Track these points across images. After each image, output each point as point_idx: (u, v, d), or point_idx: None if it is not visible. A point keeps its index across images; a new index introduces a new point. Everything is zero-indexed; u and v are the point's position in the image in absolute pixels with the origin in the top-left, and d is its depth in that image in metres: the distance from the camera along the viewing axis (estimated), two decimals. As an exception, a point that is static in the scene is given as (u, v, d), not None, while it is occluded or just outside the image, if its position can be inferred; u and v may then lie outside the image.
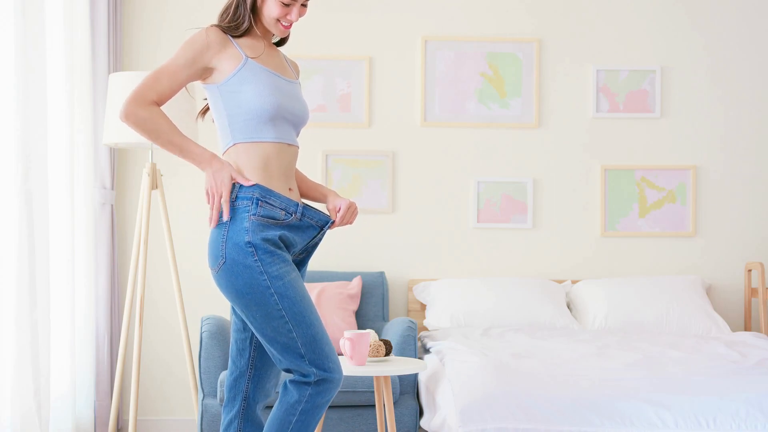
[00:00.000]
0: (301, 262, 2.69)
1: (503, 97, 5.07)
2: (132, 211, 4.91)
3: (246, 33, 2.61)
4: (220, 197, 2.48)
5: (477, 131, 5.07)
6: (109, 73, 4.56)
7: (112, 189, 4.64)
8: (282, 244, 2.53)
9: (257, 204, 2.49)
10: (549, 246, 5.08)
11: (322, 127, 4.94)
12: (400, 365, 3.37)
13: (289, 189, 2.60)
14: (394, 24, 5.07)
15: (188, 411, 4.89)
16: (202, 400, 4.01)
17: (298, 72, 2.81)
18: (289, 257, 2.54)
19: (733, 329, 5.05)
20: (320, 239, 2.68)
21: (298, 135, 2.67)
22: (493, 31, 5.09)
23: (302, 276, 2.68)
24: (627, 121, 5.11)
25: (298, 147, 2.67)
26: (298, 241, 2.59)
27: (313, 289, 4.57)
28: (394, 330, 4.25)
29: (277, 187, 2.56)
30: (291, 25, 2.61)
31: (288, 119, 2.59)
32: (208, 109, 2.72)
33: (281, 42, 2.76)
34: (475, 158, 5.07)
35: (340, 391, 3.96)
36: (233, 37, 2.59)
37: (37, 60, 3.56)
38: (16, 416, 3.41)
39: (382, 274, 4.86)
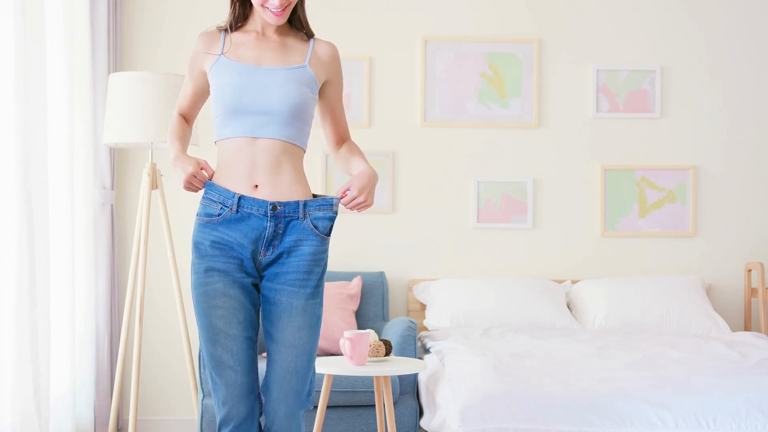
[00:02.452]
0: (283, 264, 2.49)
1: (503, 97, 5.07)
2: (132, 211, 4.91)
3: (242, 26, 2.60)
4: (187, 177, 2.48)
5: (477, 131, 5.07)
6: (109, 73, 4.56)
7: (112, 189, 4.64)
8: (217, 250, 2.48)
9: (202, 202, 2.53)
10: (549, 246, 5.08)
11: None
12: (400, 365, 3.37)
13: (255, 186, 2.48)
14: (394, 24, 5.07)
15: (188, 411, 4.89)
16: (202, 400, 4.01)
17: (325, 55, 2.58)
18: (221, 265, 2.48)
19: (733, 329, 5.05)
20: (286, 229, 2.49)
21: (285, 124, 2.48)
22: (493, 31, 5.09)
23: (300, 274, 2.49)
24: (627, 121, 5.11)
25: (275, 138, 2.48)
26: (239, 236, 2.47)
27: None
28: (394, 330, 4.25)
29: (237, 185, 2.48)
30: (283, 9, 2.48)
31: (253, 112, 2.47)
32: None
33: (305, 24, 2.61)
34: (475, 158, 5.07)
35: (340, 391, 3.96)
36: (232, 32, 2.59)
37: (37, 60, 3.56)
38: (16, 416, 3.41)
39: (382, 274, 4.86)
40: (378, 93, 5.05)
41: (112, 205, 4.63)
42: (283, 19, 2.51)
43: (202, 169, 2.49)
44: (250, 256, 2.49)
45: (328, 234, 2.52)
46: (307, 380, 2.52)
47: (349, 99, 5.03)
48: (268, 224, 2.47)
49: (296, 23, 2.60)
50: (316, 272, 2.50)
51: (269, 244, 2.48)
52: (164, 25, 4.97)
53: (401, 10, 5.07)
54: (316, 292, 2.50)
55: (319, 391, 3.93)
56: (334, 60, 2.60)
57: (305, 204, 2.49)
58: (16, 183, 3.41)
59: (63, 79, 4.10)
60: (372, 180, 2.47)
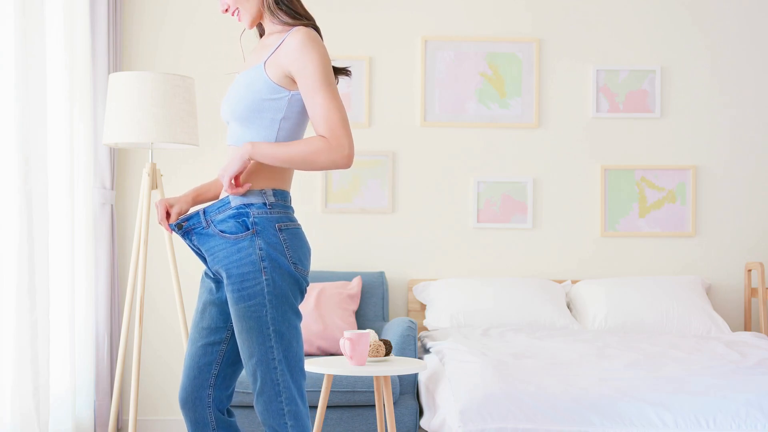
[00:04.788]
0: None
1: (503, 97, 5.07)
2: (132, 211, 4.91)
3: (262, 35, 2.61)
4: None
5: (477, 131, 5.07)
6: (109, 73, 4.56)
7: (112, 189, 4.64)
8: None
9: None
10: (549, 246, 5.08)
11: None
12: (400, 365, 3.37)
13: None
14: (394, 24, 5.07)
15: (188, 411, 4.89)
16: (202, 400, 4.00)
17: (286, 47, 2.38)
18: (205, 275, 2.53)
19: (733, 329, 5.05)
20: (200, 240, 2.44)
21: (237, 129, 2.44)
22: (493, 31, 5.09)
23: (225, 279, 2.40)
24: (627, 121, 5.11)
25: (233, 145, 2.46)
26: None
27: (313, 289, 4.57)
28: (394, 330, 4.25)
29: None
30: (237, 16, 2.47)
31: (225, 121, 2.51)
32: None
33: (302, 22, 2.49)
34: (475, 158, 5.07)
35: (340, 391, 3.96)
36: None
37: (37, 60, 3.56)
38: (16, 416, 3.41)
39: (382, 274, 4.86)
40: (378, 93, 5.05)
41: (112, 205, 4.63)
42: (245, 22, 2.49)
43: (168, 209, 2.54)
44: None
45: (237, 232, 2.37)
46: (273, 386, 2.39)
47: (349, 99, 5.02)
48: (186, 241, 2.49)
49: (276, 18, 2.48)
50: (237, 275, 2.37)
51: (202, 254, 2.49)
52: (164, 25, 4.97)
53: (401, 10, 5.07)
54: (244, 295, 2.36)
55: (319, 391, 3.92)
56: (294, 50, 2.36)
57: (204, 212, 2.43)
58: (16, 183, 3.41)
59: (63, 79, 4.10)
60: (232, 156, 2.36)
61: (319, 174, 4.97)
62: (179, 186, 4.92)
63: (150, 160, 4.09)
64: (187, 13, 4.98)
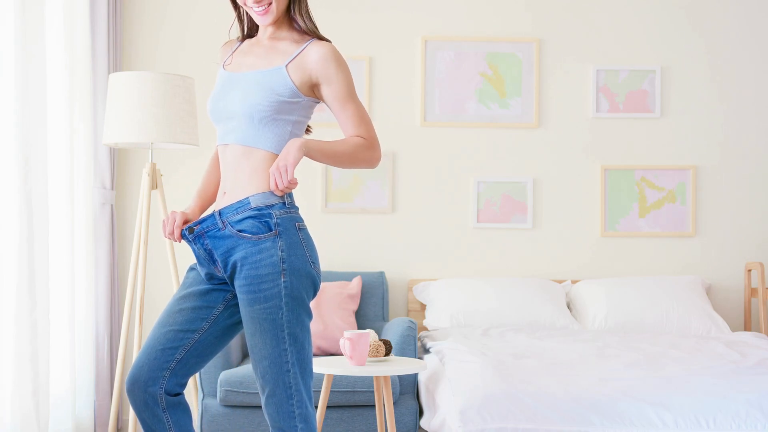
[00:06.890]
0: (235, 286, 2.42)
1: (503, 97, 5.07)
2: (132, 211, 4.91)
3: (253, 34, 2.58)
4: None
5: (477, 131, 5.07)
6: (109, 73, 4.56)
7: (112, 189, 4.64)
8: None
9: None
10: (549, 246, 5.08)
11: (322, 127, 4.94)
12: (400, 365, 3.37)
13: (224, 193, 2.46)
14: (394, 24, 5.07)
15: (188, 411, 4.89)
16: (202, 400, 4.01)
17: (312, 56, 2.43)
18: (193, 269, 2.51)
19: (733, 329, 5.05)
20: (213, 242, 2.41)
21: (244, 128, 2.41)
22: (493, 31, 5.09)
23: (238, 281, 2.39)
24: (627, 121, 5.11)
25: (236, 143, 2.43)
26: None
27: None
28: (394, 330, 4.25)
29: (218, 193, 2.50)
30: (266, 8, 2.44)
31: (222, 119, 2.46)
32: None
33: (315, 31, 2.51)
34: (475, 158, 5.07)
35: (340, 391, 3.96)
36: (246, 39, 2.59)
37: (36, 60, 3.56)
38: (16, 416, 3.41)
39: (382, 274, 4.86)
40: (378, 93, 5.05)
41: (112, 205, 4.63)
42: (269, 18, 2.45)
43: (185, 222, 2.51)
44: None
45: (258, 233, 2.36)
46: (285, 389, 2.38)
47: (349, 99, 5.02)
48: (195, 245, 2.46)
49: (295, 24, 2.51)
50: (255, 276, 2.36)
51: (212, 258, 2.45)
52: (164, 25, 4.97)
53: (401, 10, 5.07)
54: (260, 297, 2.35)
55: (319, 391, 3.93)
56: (321, 61, 2.42)
57: (220, 213, 2.41)
58: (16, 183, 3.41)
59: (63, 79, 4.10)
60: (290, 149, 2.34)
61: (319, 173, 4.97)
62: (179, 186, 4.92)
63: (150, 160, 4.09)
64: (187, 13, 4.99)
